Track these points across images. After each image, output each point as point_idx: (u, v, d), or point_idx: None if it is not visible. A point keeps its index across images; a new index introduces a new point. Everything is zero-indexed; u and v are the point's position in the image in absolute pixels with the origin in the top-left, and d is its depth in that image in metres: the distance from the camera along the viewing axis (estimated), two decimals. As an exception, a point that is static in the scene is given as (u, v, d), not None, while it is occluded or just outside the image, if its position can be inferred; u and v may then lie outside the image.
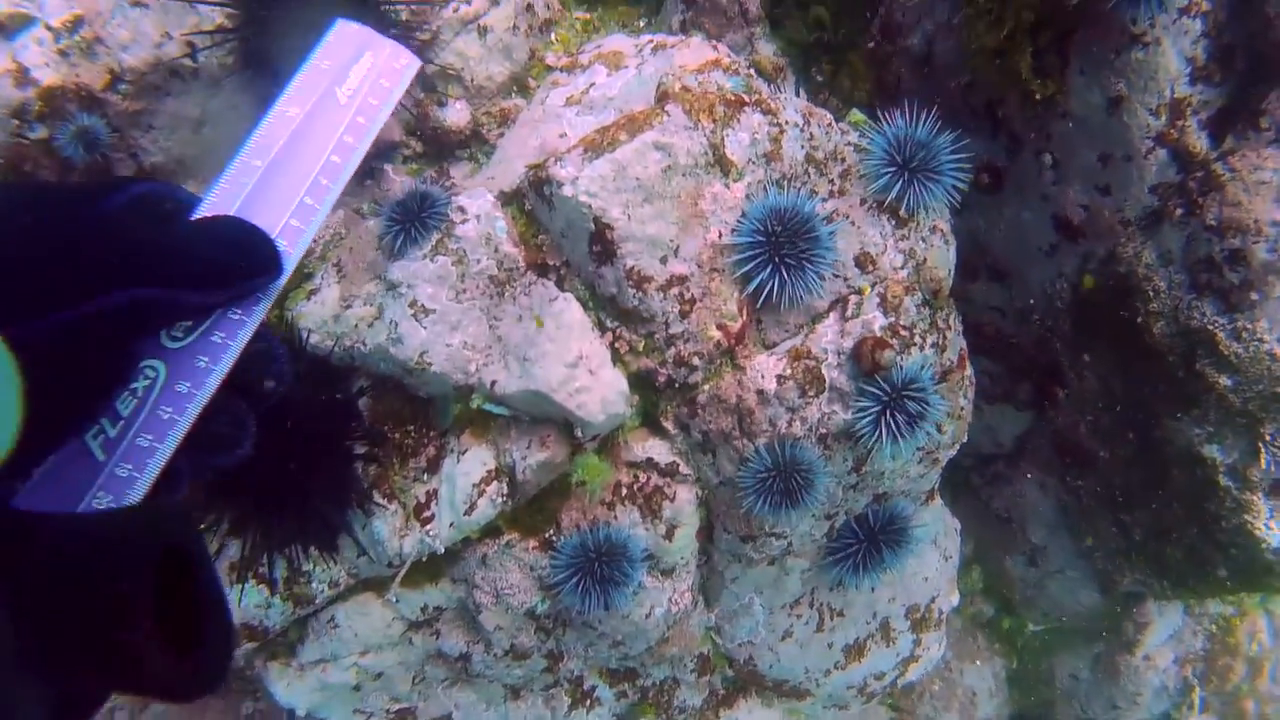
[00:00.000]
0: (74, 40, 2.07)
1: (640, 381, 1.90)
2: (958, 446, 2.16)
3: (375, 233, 2.00)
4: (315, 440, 1.73)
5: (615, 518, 1.96)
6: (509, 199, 1.96)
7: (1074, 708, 3.35)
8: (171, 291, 0.62)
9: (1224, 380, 2.06)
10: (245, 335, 0.69)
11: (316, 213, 0.74)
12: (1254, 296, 1.96)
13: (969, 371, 2.10)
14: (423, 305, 1.87)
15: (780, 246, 1.77)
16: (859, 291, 1.90)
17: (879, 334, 1.86)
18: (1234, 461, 2.18)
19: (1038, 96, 2.07)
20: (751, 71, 2.00)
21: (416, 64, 0.83)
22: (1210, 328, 2.04)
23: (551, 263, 1.91)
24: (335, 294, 2.01)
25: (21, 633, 0.49)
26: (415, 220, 1.88)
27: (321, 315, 1.98)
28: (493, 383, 1.86)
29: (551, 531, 2.00)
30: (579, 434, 1.90)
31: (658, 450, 1.97)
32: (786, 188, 1.89)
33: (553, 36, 2.45)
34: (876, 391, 1.81)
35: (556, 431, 1.92)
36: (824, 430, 1.87)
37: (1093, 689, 3.29)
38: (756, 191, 1.86)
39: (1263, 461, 2.12)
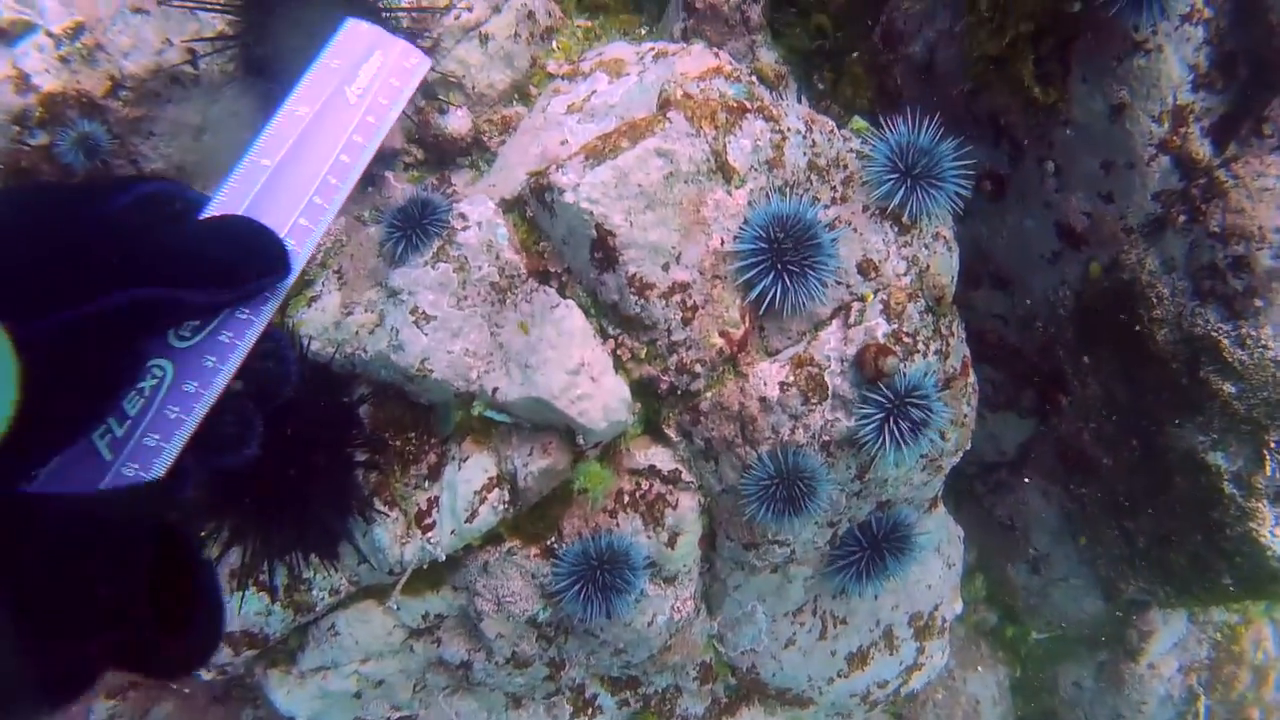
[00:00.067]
0: (75, 47, 2.07)
1: (642, 389, 1.90)
2: (961, 454, 2.15)
3: (376, 239, 2.00)
4: (316, 447, 1.72)
5: (617, 525, 1.95)
6: (510, 206, 1.96)
7: (1078, 716, 3.33)
8: (174, 291, 0.62)
9: (1228, 387, 2.05)
10: (253, 335, 0.69)
11: (325, 212, 0.74)
12: (1258, 303, 1.96)
13: (972, 378, 2.10)
14: (424, 312, 1.87)
15: (783, 253, 1.77)
16: (862, 298, 1.90)
17: (882, 341, 1.86)
18: (1238, 469, 2.17)
19: (1040, 104, 2.07)
20: (753, 78, 1.99)
21: (427, 63, 0.82)
22: (1214, 335, 2.03)
23: (553, 270, 1.90)
24: (336, 301, 2.00)
25: (20, 608, 0.49)
26: (416, 227, 1.88)
27: (322, 322, 1.98)
28: (494, 390, 1.86)
29: (553, 539, 2.00)
30: (581, 441, 1.89)
31: (660, 457, 1.96)
32: (789, 194, 1.89)
33: (554, 44, 2.45)
34: (879, 399, 1.81)
35: (558, 439, 1.91)
36: (827, 437, 1.86)
37: (1097, 697, 3.28)
38: (759, 198, 1.86)
39: (1268, 469, 2.11)
